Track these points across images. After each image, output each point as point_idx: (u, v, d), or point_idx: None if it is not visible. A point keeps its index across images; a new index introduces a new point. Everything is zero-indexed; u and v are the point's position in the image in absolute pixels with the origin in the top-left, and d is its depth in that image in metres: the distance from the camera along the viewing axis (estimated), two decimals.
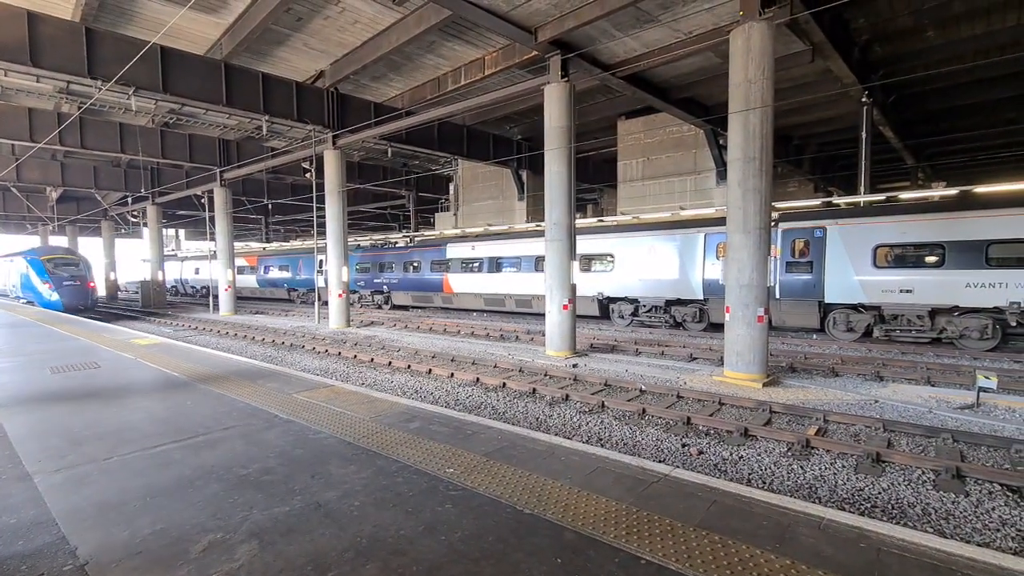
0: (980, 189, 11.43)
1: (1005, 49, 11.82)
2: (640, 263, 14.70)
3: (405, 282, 21.64)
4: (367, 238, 28.64)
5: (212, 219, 21.96)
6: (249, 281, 30.54)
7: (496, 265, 18.16)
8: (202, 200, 23.12)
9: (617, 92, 14.78)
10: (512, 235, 18.40)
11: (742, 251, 8.09)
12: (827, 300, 11.88)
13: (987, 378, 6.56)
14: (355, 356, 11.33)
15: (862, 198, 13.24)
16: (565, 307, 10.68)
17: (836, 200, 13.54)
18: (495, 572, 2.50)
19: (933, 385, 8.05)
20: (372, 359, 10.89)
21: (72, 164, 21.58)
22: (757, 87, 7.87)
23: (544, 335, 11.31)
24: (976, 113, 16.72)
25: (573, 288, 10.78)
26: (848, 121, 16.30)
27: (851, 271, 11.47)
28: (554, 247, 10.71)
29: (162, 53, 11.46)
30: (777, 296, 12.44)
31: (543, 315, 11.81)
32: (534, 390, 7.98)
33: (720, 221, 13.04)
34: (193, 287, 36.93)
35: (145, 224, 27.08)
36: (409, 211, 28.69)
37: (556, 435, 6.01)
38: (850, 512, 4.11)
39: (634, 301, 15.25)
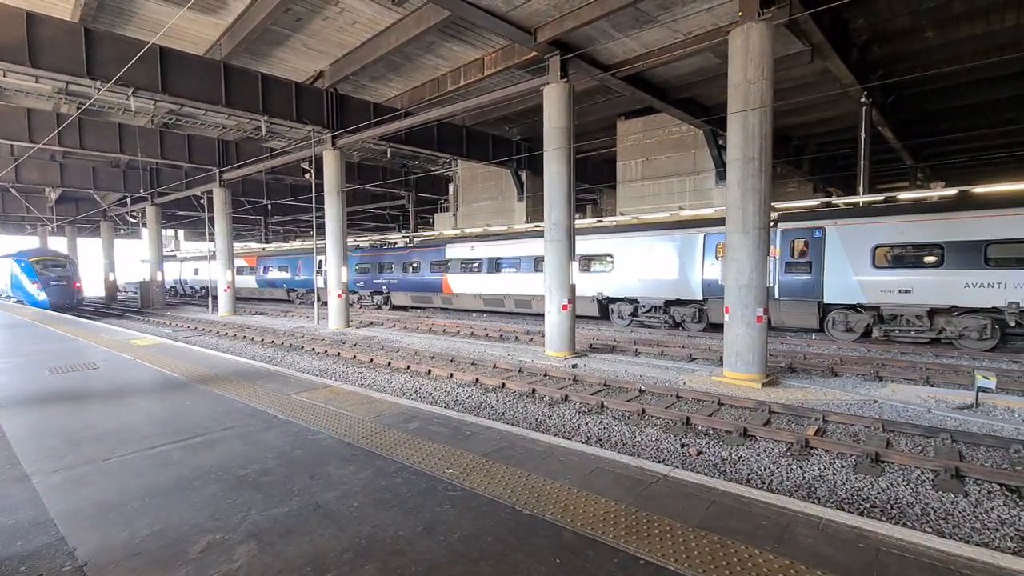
0: (979, 189, 11.42)
1: (1004, 49, 11.83)
2: (639, 263, 14.70)
3: (404, 283, 21.61)
4: (366, 238, 28.56)
5: (211, 220, 21.94)
6: (248, 282, 30.50)
7: (495, 265, 18.14)
8: (201, 201, 23.11)
9: (616, 92, 14.78)
10: (511, 235, 18.36)
11: (741, 251, 8.10)
12: (826, 300, 11.88)
13: (986, 378, 6.57)
14: (354, 356, 11.32)
15: (861, 198, 13.23)
16: (564, 307, 10.68)
17: (835, 200, 13.52)
18: (494, 572, 2.50)
19: (932, 385, 8.05)
20: (371, 359, 10.88)
21: (71, 165, 21.55)
22: (756, 87, 7.88)
23: (543, 335, 11.30)
24: (975, 113, 16.73)
25: (572, 288, 10.79)
26: (847, 121, 16.31)
27: (850, 271, 11.47)
28: (553, 247, 10.72)
29: (161, 53, 11.45)
30: (776, 296, 12.44)
31: (542, 315, 11.81)
32: (533, 390, 7.98)
33: (719, 221, 13.05)
34: (192, 288, 36.90)
35: (144, 225, 27.08)
36: (408, 211, 28.70)
37: (555, 435, 6.03)
38: (849, 512, 4.11)
39: (633, 301, 15.25)
